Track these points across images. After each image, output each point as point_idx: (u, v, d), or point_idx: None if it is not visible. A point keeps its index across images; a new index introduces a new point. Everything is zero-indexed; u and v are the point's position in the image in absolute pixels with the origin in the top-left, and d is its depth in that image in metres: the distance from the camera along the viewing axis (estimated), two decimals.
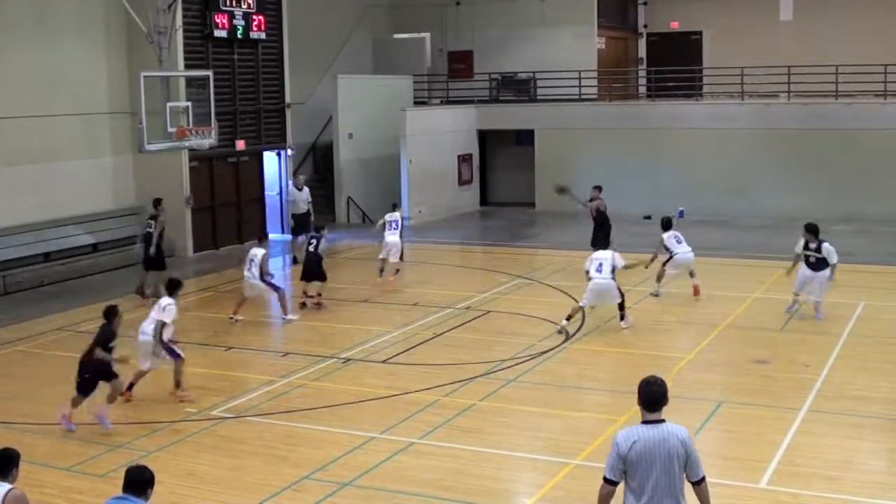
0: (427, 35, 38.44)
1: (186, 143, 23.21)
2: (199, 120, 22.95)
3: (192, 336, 19.02)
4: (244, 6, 29.03)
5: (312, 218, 25.91)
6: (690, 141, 33.38)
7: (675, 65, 36.58)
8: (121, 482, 8.04)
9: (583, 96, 35.90)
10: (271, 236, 30.72)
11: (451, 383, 15.52)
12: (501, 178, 38.06)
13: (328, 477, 12.00)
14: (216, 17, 28.07)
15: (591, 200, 24.23)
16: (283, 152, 31.41)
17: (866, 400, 14.71)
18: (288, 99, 31.31)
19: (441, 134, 34.80)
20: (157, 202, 22.88)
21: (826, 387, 15.28)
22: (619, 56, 39.32)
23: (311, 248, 21.14)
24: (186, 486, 11.76)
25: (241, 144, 29.49)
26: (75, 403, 13.81)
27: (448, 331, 19.03)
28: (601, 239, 22.37)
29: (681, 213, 32.19)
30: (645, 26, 40.21)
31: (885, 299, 21.01)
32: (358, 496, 11.55)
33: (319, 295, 21.14)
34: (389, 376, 16.18)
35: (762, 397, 14.86)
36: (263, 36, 29.97)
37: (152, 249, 22.00)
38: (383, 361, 17.09)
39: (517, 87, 37.40)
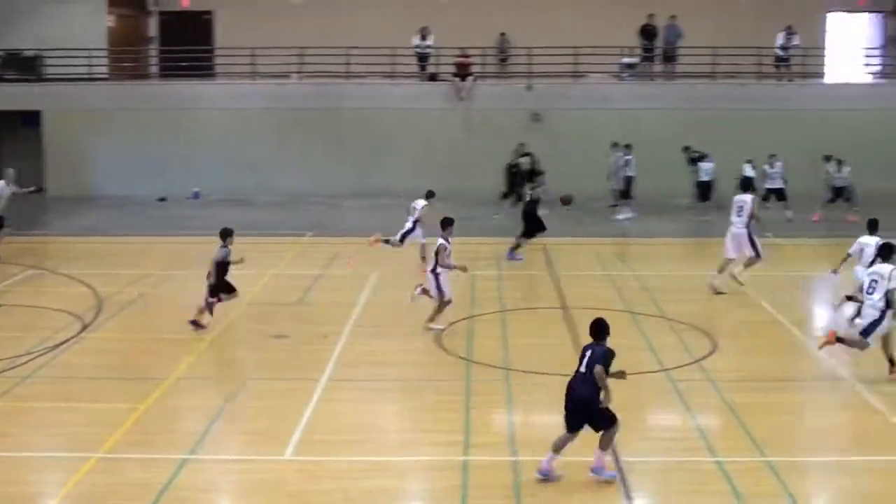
0: None
1: None
2: None
3: None
4: None
5: None
6: (205, 121, 33.27)
7: (188, 44, 36.17)
8: None
9: (94, 75, 34.58)
10: None
11: None
12: (8, 163, 35.71)
13: None
14: None
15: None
16: None
17: (384, 364, 15.45)
18: None
19: None
20: None
21: (346, 354, 15.86)
22: (130, 34, 38.22)
23: None
24: None
25: None
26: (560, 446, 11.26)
27: None
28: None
29: (196, 195, 32.01)
30: (156, 3, 39.32)
31: (395, 267, 21.98)
32: None
33: None
34: None
35: (285, 371, 15.14)
36: None
37: None
38: None
39: (22, 65, 35.22)
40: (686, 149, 29.69)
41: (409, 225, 21.49)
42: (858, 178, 28.37)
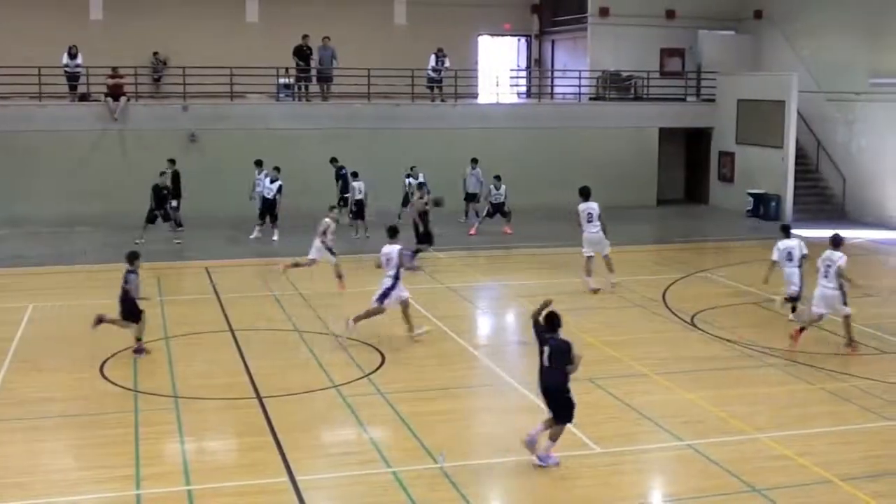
0: None
1: None
2: None
3: None
4: None
5: None
6: None
7: None
8: None
9: None
10: None
11: None
12: None
13: None
14: None
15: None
16: None
17: (46, 401, 14.70)
18: None
19: None
20: None
21: (4, 392, 14.98)
22: None
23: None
24: None
25: None
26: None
27: None
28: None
29: None
30: None
31: (54, 299, 21.12)
32: None
33: None
34: None
35: None
36: None
37: None
38: None
39: None
40: (333, 160, 29.96)
41: (317, 242, 21.65)
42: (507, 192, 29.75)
